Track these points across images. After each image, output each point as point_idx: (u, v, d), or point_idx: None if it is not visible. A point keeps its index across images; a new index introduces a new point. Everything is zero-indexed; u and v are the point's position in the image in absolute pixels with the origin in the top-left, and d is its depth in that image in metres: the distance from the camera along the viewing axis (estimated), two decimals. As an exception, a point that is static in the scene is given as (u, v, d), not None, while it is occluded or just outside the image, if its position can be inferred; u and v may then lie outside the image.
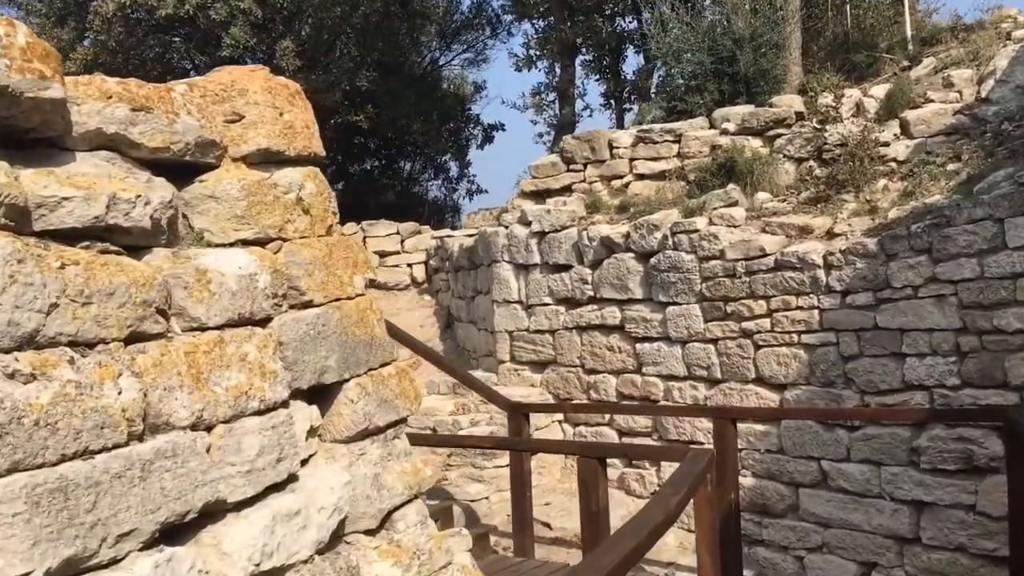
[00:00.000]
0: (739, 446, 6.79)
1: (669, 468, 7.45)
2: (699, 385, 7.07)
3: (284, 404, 3.05)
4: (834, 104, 7.79)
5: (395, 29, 14.36)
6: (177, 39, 13.42)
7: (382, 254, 11.81)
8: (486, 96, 18.20)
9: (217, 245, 3.13)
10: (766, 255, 6.54)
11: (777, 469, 6.58)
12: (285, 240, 3.37)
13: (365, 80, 13.11)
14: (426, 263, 11.90)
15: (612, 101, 13.67)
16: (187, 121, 3.04)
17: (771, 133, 8.14)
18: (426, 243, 11.87)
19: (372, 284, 11.74)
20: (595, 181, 8.81)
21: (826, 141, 7.65)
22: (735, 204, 7.28)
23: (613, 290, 7.63)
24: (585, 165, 8.91)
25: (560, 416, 8.18)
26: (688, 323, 7.07)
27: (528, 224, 8.36)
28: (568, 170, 8.97)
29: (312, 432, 3.34)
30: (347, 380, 3.43)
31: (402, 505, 3.56)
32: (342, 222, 11.30)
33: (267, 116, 3.35)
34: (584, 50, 14.21)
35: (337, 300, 3.46)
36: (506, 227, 8.70)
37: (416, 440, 6.18)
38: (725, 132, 8.36)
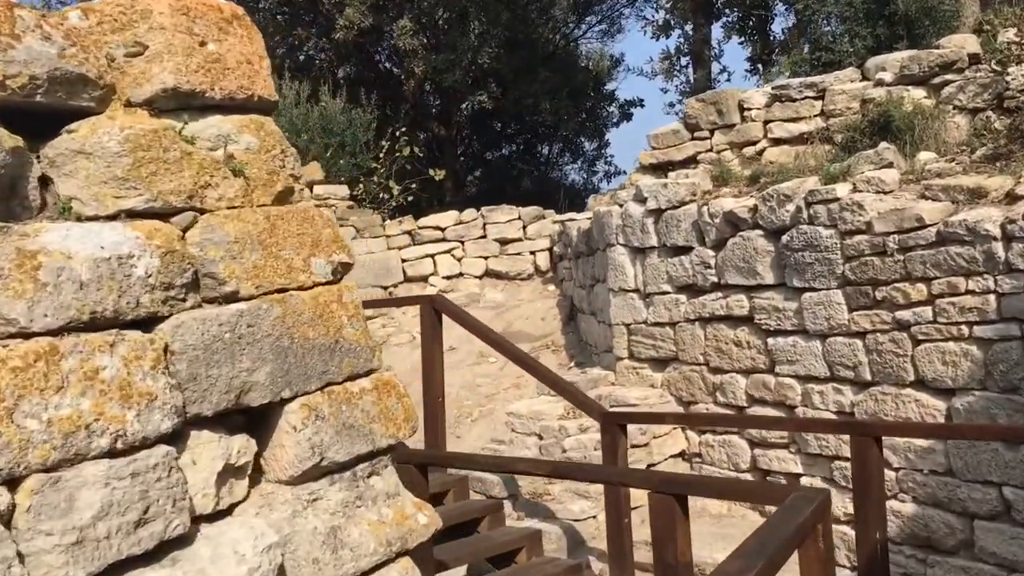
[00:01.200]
0: (896, 465, 5.51)
1: (816, 480, 6.24)
2: (844, 388, 5.80)
3: (167, 439, 2.17)
4: (1018, 40, 6.29)
5: (523, 2, 13.49)
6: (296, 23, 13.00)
7: (503, 241, 10.97)
8: (624, 70, 17.04)
9: (90, 218, 2.29)
10: (925, 226, 5.20)
11: (945, 495, 5.25)
12: (203, 211, 2.49)
13: (487, 57, 12.31)
14: (550, 250, 10.98)
15: (760, 65, 12.29)
16: (35, 48, 2.20)
17: (937, 80, 6.71)
18: (549, 229, 10.95)
19: (492, 274, 10.94)
20: (723, 149, 7.62)
21: (1008, 86, 6.18)
22: (889, 166, 5.94)
23: (739, 275, 6.44)
24: (711, 131, 7.73)
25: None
26: (829, 313, 5.81)
27: (643, 201, 7.28)
28: (692, 138, 7.81)
29: (240, 472, 2.45)
30: (290, 400, 2.53)
31: (377, 569, 2.63)
32: (476, 209, 10.39)
33: (178, 45, 2.49)
34: (728, 11, 12.87)
35: (280, 292, 2.56)
36: (620, 206, 7.65)
37: (452, 462, 5.24)
38: (880, 83, 6.98)
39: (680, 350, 7.04)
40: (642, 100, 15.04)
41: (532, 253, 11.03)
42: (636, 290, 7.44)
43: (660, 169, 7.79)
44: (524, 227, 11.06)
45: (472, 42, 12.44)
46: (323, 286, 2.70)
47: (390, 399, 2.78)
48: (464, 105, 16.44)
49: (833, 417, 5.86)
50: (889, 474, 5.53)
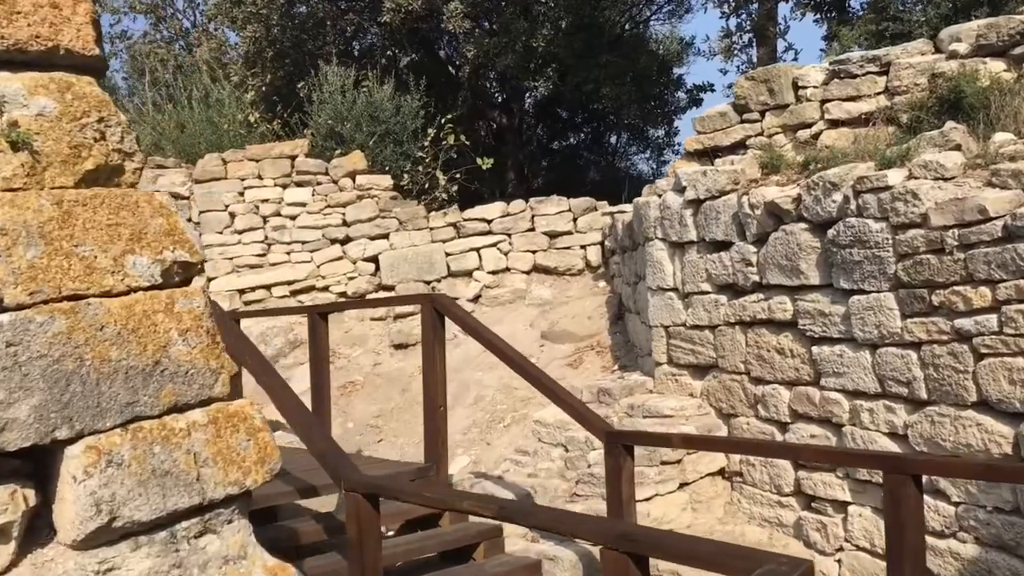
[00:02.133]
0: (955, 499, 4.71)
1: (866, 510, 5.45)
2: (896, 407, 5.00)
3: None
4: (1118, 0, 5.37)
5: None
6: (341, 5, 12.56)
7: (552, 235, 10.35)
8: (695, 53, 16.13)
9: None
10: (989, 219, 4.38)
11: (1011, 537, 4.43)
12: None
13: (543, 41, 11.67)
14: (602, 244, 10.32)
15: (834, 43, 11.31)
16: None
17: (1019, 51, 5.81)
18: (601, 221, 10.28)
19: (540, 269, 10.34)
20: (775, 133, 6.85)
21: (1104, 55, 5.28)
22: (956, 148, 5.10)
23: (782, 273, 5.69)
24: (762, 113, 6.97)
25: (725, 433, 6.38)
26: (879, 319, 5.02)
27: (681, 191, 6.57)
28: (741, 121, 7.06)
29: (3, 534, 1.93)
30: (71, 441, 1.99)
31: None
32: (525, 200, 9.69)
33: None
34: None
35: (72, 299, 2.01)
36: (659, 196, 6.96)
37: (397, 495, 4.31)
38: (953, 55, 6.11)
39: (720, 356, 6.33)
40: (712, 85, 14.21)
41: (583, 247, 10.39)
42: (675, 289, 6.75)
43: (706, 156, 7.07)
44: (574, 219, 10.41)
45: (525, 25, 11.81)
46: (145, 291, 2.16)
47: (235, 436, 2.23)
48: (528, 93, 15.85)
49: (884, 439, 5.08)
50: (947, 509, 4.74)
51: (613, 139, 16.15)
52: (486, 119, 15.11)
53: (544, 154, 16.40)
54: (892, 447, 5.02)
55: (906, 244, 4.80)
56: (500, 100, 15.51)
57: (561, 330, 9.47)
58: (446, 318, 5.45)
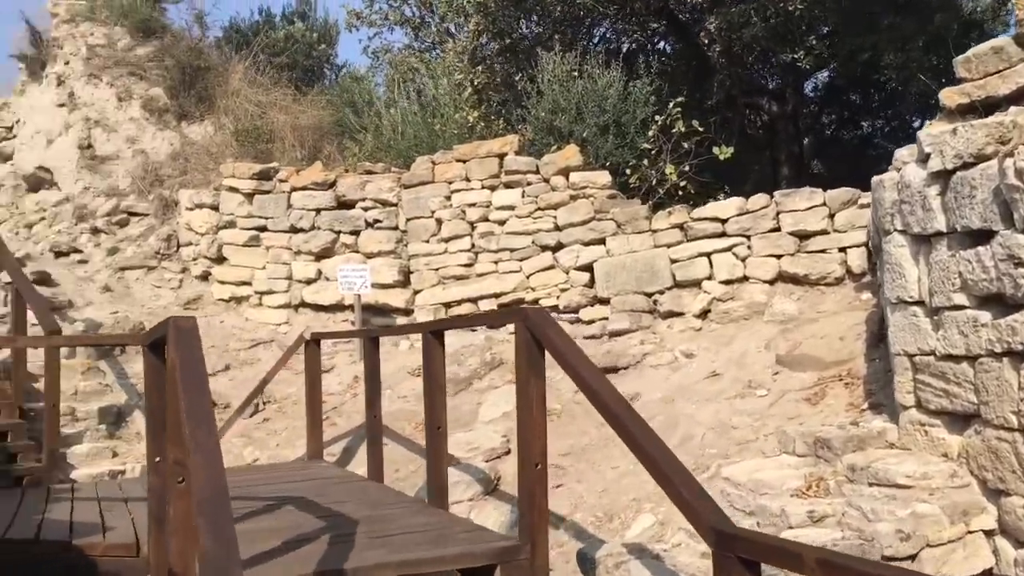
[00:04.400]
0: None
1: None
2: None
3: None
4: None
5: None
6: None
7: (802, 235, 8.34)
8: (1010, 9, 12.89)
9: None
10: None
11: None
12: None
13: (799, 2, 9.65)
14: (867, 245, 8.15)
15: None
16: None
17: None
18: (866, 218, 8.10)
19: (786, 277, 8.37)
20: (1082, 71, 4.57)
21: None
22: None
23: (1072, 278, 3.58)
24: (1062, 43, 4.71)
25: (992, 519, 4.28)
26: None
27: (925, 160, 4.56)
28: (1028, 58, 4.83)
29: None
30: None
31: None
32: (769, 195, 7.84)
33: None
34: None
35: None
36: (898, 171, 4.96)
37: None
38: None
39: (983, 402, 4.26)
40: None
41: (841, 250, 8.28)
42: (919, 302, 4.76)
43: (974, 112, 4.91)
44: (831, 215, 8.33)
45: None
46: None
47: None
48: (807, 77, 13.67)
49: None
50: None
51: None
52: (752, 107, 13.16)
53: (826, 144, 14.08)
54: None
55: None
56: (771, 85, 13.48)
57: (801, 354, 7.49)
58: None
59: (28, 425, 7.24)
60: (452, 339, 9.08)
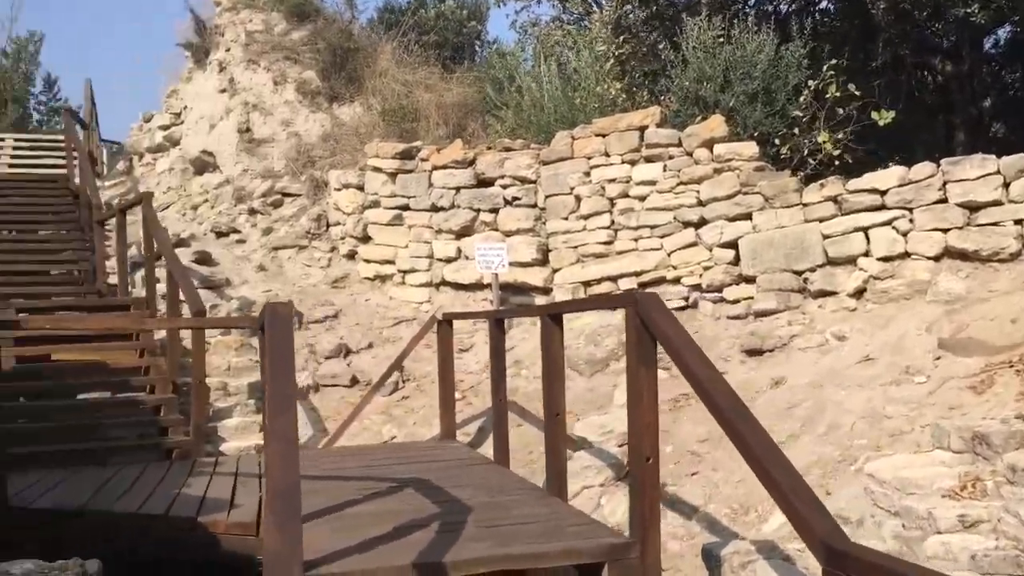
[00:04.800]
0: None
1: None
2: None
3: None
4: None
5: None
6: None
7: (972, 207, 7.59)
8: None
9: None
10: None
11: None
12: None
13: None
14: (1049, 217, 7.34)
15: None
16: None
17: None
18: (1048, 185, 7.29)
19: (954, 253, 7.66)
20: None
21: None
22: None
23: None
24: None
25: None
26: None
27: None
28: None
29: None
30: None
31: None
32: (936, 163, 7.30)
33: None
34: None
35: None
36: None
37: None
38: None
39: None
40: None
41: (1017, 222, 7.50)
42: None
43: None
44: (1006, 185, 7.54)
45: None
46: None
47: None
48: (989, 33, 12.51)
49: None
50: None
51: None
52: (921, 68, 12.17)
53: (1010, 105, 12.88)
54: None
55: None
56: (944, 43, 12.42)
57: (968, 337, 6.85)
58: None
59: (181, 400, 7.57)
60: (591, 319, 8.89)
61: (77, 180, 12.31)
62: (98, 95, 15.73)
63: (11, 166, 14.52)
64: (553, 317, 4.92)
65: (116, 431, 7.39)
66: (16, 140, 15.86)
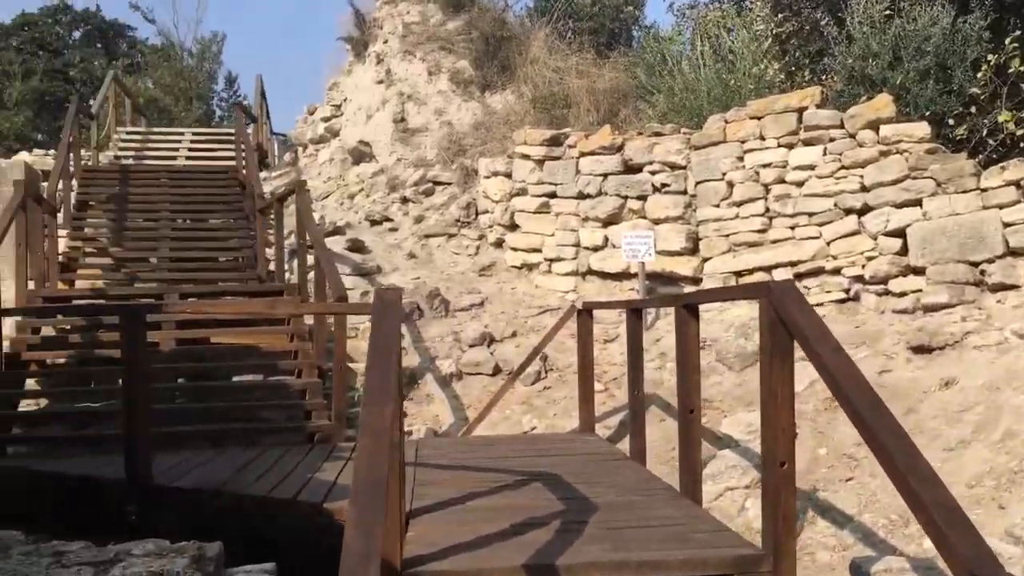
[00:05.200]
0: None
1: None
2: None
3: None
4: None
5: None
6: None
7: None
8: None
9: None
10: None
11: None
12: None
13: None
14: None
15: None
16: None
17: None
18: None
19: None
20: None
21: None
22: None
23: None
24: None
25: None
26: None
27: None
28: None
29: None
30: None
31: None
32: None
33: None
34: None
35: None
36: None
37: None
38: None
39: None
40: None
41: None
42: None
43: None
44: None
45: None
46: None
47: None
48: None
49: None
50: None
51: None
52: None
53: None
54: None
55: None
56: None
57: None
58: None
59: (326, 384, 7.71)
60: (741, 310, 8.47)
61: (245, 171, 12.87)
62: (274, 90, 16.44)
63: (188, 159, 15.37)
64: (688, 308, 4.63)
65: (266, 412, 7.61)
66: (194, 135, 16.78)
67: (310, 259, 8.95)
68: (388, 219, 11.90)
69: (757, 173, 8.77)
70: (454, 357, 8.96)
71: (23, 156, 14.53)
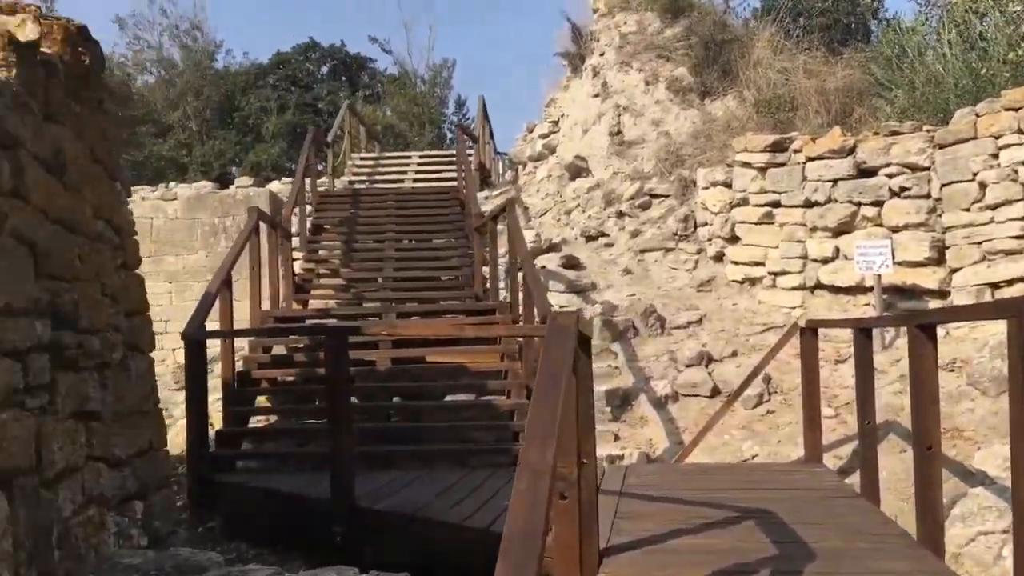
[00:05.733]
0: None
1: None
2: None
3: None
4: None
5: None
6: None
7: None
8: None
9: None
10: None
11: None
12: None
13: None
14: None
15: None
16: None
17: None
18: None
19: None
20: None
21: None
22: None
23: None
24: None
25: None
26: None
27: None
28: None
29: None
30: None
31: None
32: None
33: None
34: None
35: None
36: None
37: None
38: None
39: None
40: None
41: None
42: None
43: None
44: None
45: None
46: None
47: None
48: None
49: None
50: None
51: None
52: None
53: None
54: None
55: None
56: None
57: None
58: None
59: (536, 405, 7.52)
60: (998, 327, 7.44)
61: (465, 191, 13.07)
62: (500, 112, 16.73)
63: (415, 181, 15.89)
64: (923, 328, 4.00)
65: (475, 433, 7.55)
66: (420, 157, 17.37)
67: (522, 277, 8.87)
68: (603, 234, 11.63)
69: (1015, 172, 7.72)
70: (669, 377, 8.53)
71: (273, 185, 15.61)
